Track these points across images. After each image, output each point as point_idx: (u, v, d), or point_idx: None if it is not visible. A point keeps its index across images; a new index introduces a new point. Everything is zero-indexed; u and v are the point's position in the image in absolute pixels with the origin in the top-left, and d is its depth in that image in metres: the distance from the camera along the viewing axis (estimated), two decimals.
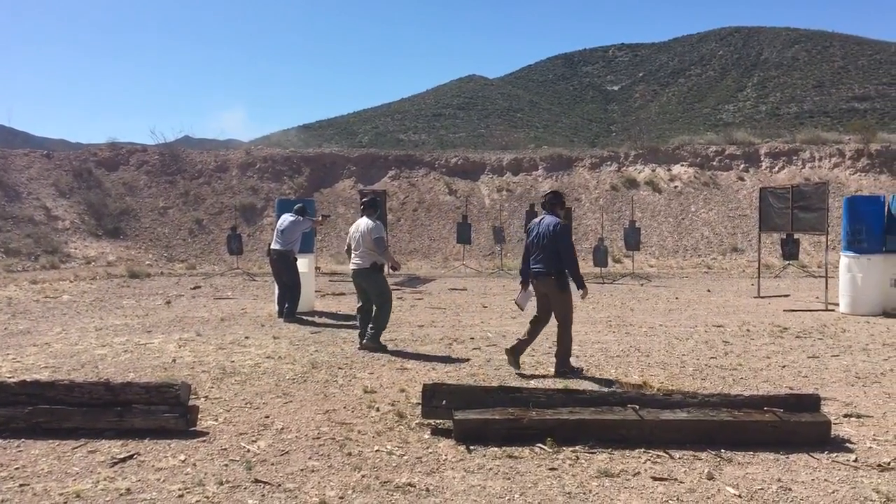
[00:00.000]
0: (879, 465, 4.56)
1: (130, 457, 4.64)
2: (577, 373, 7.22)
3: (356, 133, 67.97)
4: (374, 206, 8.95)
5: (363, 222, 8.72)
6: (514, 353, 7.41)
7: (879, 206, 12.32)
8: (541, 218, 7.44)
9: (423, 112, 76.91)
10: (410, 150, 32.70)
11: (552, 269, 7.15)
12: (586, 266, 21.57)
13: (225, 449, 4.83)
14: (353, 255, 8.77)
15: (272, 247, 11.23)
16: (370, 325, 8.64)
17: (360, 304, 8.88)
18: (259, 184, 26.87)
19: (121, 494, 4.03)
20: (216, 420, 5.50)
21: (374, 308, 8.66)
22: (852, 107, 64.76)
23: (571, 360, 7.36)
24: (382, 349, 8.56)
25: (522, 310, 7.97)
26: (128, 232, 23.93)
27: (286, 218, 11.20)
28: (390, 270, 9.03)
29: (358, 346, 8.70)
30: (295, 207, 11.47)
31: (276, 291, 11.59)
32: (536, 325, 7.44)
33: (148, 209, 25.04)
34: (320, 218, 12.39)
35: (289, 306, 11.04)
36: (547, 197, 7.60)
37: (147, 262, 21.65)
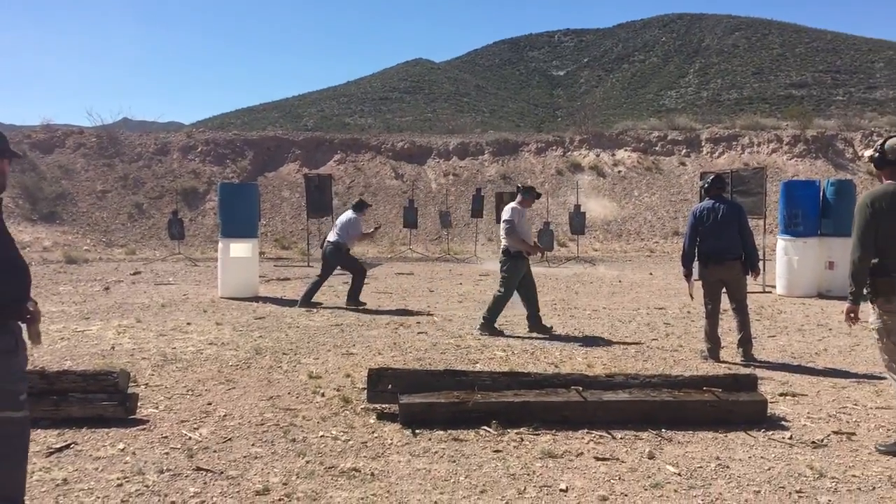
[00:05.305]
0: (813, 443, 4.70)
1: (67, 446, 4.51)
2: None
3: (301, 116, 67.25)
4: (525, 192, 8.82)
5: (506, 207, 8.73)
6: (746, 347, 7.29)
7: (815, 191, 12.68)
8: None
9: (370, 95, 76.43)
10: (357, 134, 32.47)
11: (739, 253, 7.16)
12: None
13: (166, 437, 4.74)
14: None
15: (328, 238, 11.01)
16: (483, 314, 8.63)
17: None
18: (201, 167, 26.37)
19: (57, 485, 3.92)
20: (157, 408, 5.39)
21: (494, 293, 8.64)
22: (790, 93, 66.44)
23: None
24: (499, 334, 8.52)
25: None
26: (64, 216, 23.25)
27: (347, 214, 11.11)
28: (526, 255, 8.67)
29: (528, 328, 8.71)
30: (354, 203, 11.45)
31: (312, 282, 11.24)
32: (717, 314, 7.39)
33: (85, 193, 24.35)
34: (371, 230, 12.26)
35: (352, 290, 10.86)
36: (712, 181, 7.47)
37: (85, 248, 21.08)
